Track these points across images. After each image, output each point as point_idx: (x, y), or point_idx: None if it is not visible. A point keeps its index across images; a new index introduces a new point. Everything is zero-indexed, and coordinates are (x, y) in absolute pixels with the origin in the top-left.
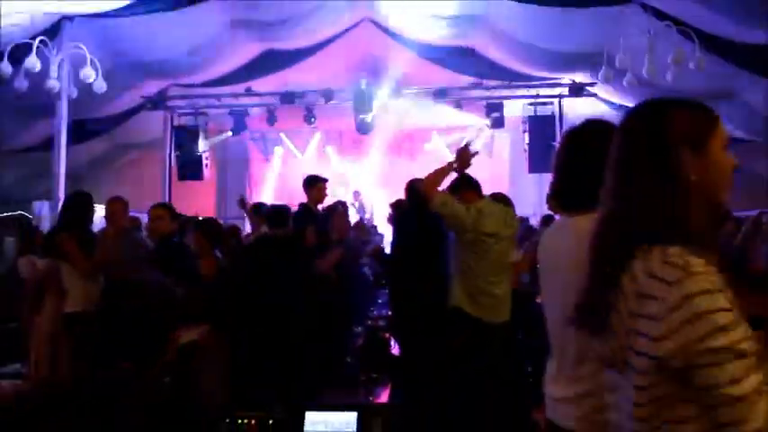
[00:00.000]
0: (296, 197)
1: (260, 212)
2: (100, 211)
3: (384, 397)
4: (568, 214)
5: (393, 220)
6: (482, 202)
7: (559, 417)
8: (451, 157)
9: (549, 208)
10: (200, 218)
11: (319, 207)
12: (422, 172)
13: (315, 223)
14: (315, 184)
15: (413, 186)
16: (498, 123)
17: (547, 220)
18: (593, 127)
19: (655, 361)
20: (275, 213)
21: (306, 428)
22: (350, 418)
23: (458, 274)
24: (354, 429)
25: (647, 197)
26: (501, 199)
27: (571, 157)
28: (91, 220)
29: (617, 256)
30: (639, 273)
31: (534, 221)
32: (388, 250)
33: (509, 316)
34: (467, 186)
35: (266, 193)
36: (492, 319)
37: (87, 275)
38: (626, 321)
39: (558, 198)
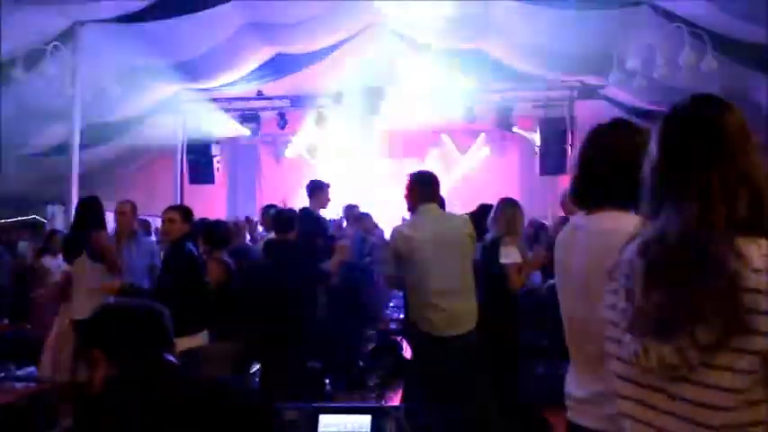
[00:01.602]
0: (307, 200)
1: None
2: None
3: (396, 400)
4: (586, 212)
5: None
6: (421, 208)
7: (580, 417)
8: (459, 160)
9: (563, 209)
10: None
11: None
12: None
13: (317, 227)
14: (319, 189)
15: (414, 179)
16: (508, 126)
17: (562, 222)
18: (619, 126)
19: (758, 357)
20: (281, 218)
21: (319, 430)
22: (364, 420)
23: (409, 291)
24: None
25: (754, 182)
26: (510, 203)
27: (594, 155)
28: (104, 223)
29: (714, 249)
30: (753, 253)
31: (547, 223)
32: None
33: (470, 326)
34: (413, 188)
35: (277, 196)
36: (444, 332)
37: (117, 275)
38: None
39: (577, 196)
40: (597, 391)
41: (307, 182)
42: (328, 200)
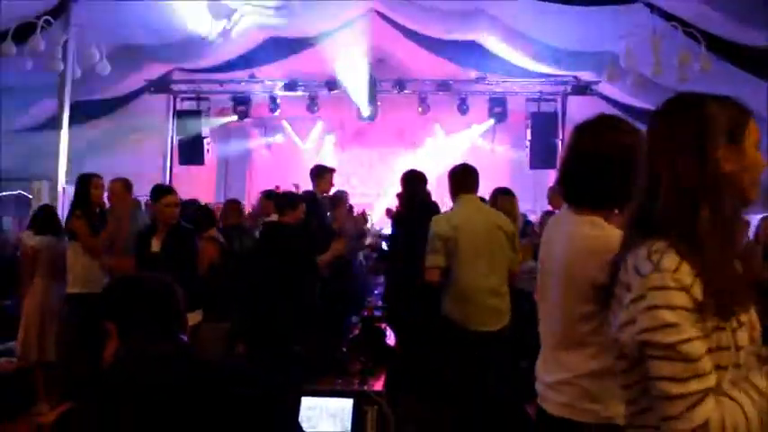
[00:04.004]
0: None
1: (271, 199)
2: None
3: (378, 386)
4: (574, 209)
5: (392, 215)
6: (462, 198)
7: (547, 403)
8: (451, 151)
9: (550, 204)
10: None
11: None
12: (423, 163)
13: (319, 212)
14: (322, 174)
15: (407, 177)
16: (501, 118)
17: (547, 216)
18: (603, 124)
19: (618, 346)
20: (285, 200)
21: (302, 413)
22: (346, 404)
23: (447, 282)
24: (350, 416)
25: (677, 183)
26: (505, 192)
27: (578, 153)
28: (89, 199)
29: (624, 246)
30: (629, 263)
31: (534, 218)
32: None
33: (501, 323)
34: (451, 179)
35: (266, 180)
36: (478, 327)
37: (94, 254)
38: (614, 308)
39: (565, 194)
40: (562, 378)
41: (296, 166)
42: (331, 185)
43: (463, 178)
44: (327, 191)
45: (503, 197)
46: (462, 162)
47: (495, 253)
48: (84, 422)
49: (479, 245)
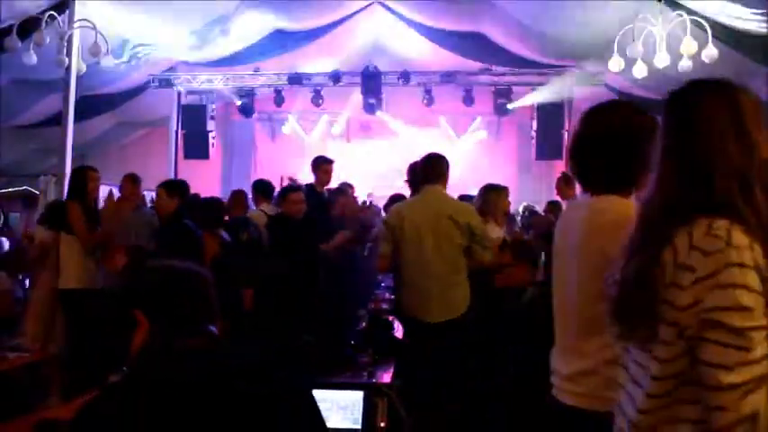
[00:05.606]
0: (300, 178)
1: (261, 190)
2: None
3: (386, 378)
4: (591, 194)
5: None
6: (423, 188)
7: (563, 393)
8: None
9: (558, 194)
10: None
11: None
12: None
13: (319, 204)
14: (321, 166)
15: (413, 170)
16: (506, 110)
17: (552, 206)
18: (617, 107)
19: (676, 328)
20: (279, 192)
21: None
22: (356, 397)
23: (397, 272)
24: (360, 408)
25: (732, 167)
26: (487, 188)
27: (592, 135)
28: (86, 193)
29: (662, 229)
30: (681, 245)
31: (539, 208)
32: None
33: (450, 315)
34: (419, 168)
35: (271, 174)
36: (425, 317)
37: (87, 248)
38: (660, 292)
39: (580, 177)
40: (581, 368)
41: (301, 159)
42: (330, 176)
43: (428, 169)
44: (327, 182)
45: (485, 193)
46: (429, 153)
47: (441, 242)
48: (104, 416)
49: (423, 234)
